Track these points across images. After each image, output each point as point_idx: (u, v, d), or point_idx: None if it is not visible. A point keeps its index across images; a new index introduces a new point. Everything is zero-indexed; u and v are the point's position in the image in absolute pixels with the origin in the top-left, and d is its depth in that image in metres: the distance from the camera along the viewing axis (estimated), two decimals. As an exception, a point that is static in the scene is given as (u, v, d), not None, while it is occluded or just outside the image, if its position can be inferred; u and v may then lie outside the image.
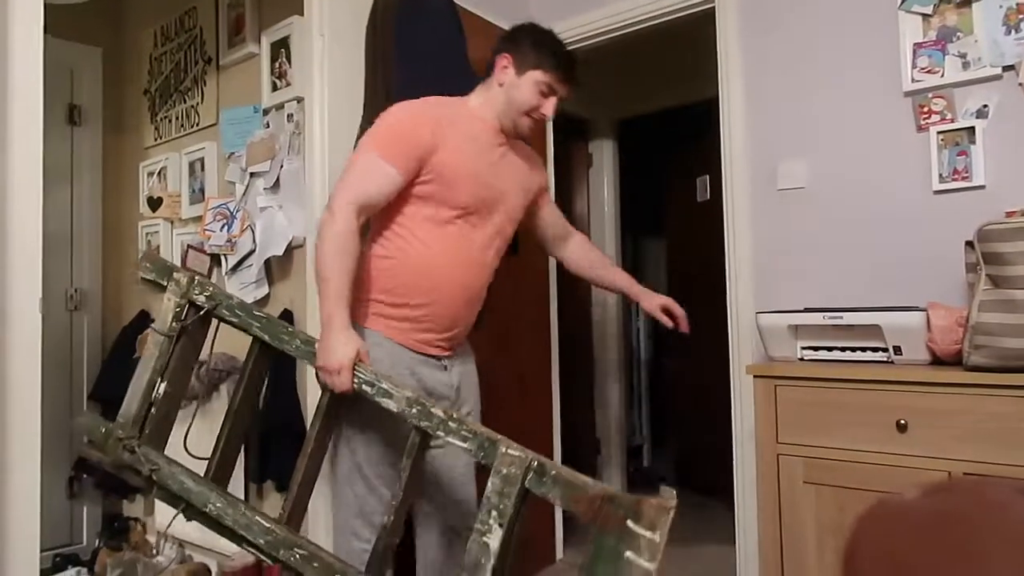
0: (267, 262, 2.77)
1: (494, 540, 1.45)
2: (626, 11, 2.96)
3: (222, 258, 2.93)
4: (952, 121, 2.23)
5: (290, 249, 2.69)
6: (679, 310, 2.13)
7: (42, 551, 1.91)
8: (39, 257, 1.92)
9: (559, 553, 3.18)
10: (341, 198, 1.73)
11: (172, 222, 3.25)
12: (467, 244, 1.86)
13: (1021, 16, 2.14)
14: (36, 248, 1.92)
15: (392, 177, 1.76)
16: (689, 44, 3.38)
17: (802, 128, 2.53)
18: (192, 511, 1.78)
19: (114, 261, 3.55)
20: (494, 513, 1.46)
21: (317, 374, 1.69)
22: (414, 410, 1.60)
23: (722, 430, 2.76)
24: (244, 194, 2.85)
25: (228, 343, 2.90)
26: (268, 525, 1.68)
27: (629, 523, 1.32)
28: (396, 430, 1.78)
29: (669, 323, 2.14)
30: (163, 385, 1.81)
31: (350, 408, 1.78)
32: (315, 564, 1.64)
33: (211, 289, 1.84)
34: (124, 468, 1.79)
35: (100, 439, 1.80)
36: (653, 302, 2.14)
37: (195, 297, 1.84)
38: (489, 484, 1.47)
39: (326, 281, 1.69)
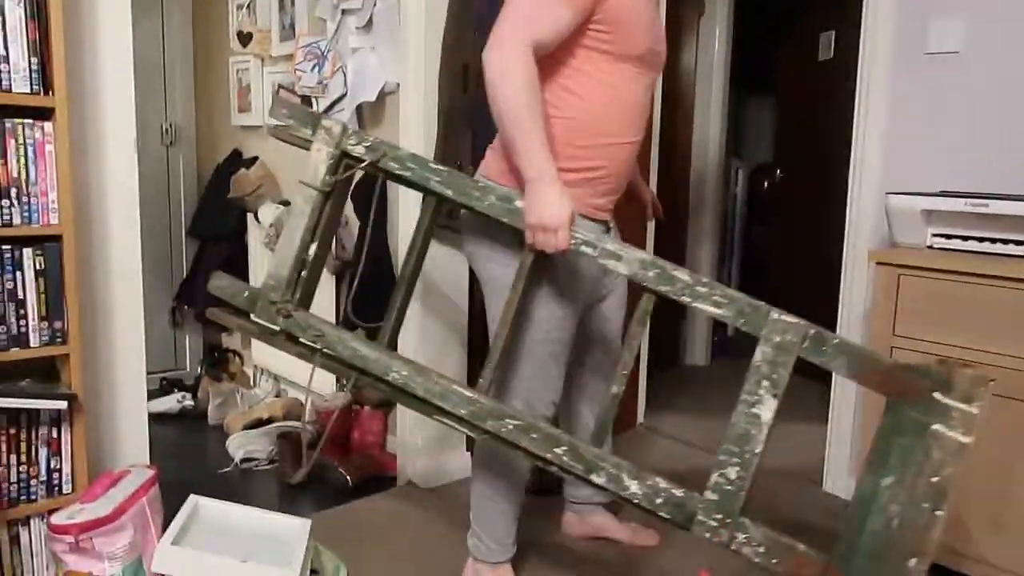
0: (359, 108, 2.66)
1: (766, 411, 1.40)
2: None
3: (313, 101, 2.84)
4: None
5: (383, 95, 2.57)
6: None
7: (148, 374, 2.00)
8: (131, 88, 1.88)
9: (640, 418, 3.20)
10: (514, 37, 1.50)
11: (262, 59, 3.15)
12: (636, 97, 1.69)
13: None
14: (128, 80, 1.88)
15: (565, 20, 1.54)
16: None
17: (967, -21, 2.18)
18: (368, 380, 1.65)
19: (206, 97, 3.51)
20: (765, 383, 1.40)
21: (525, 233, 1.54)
22: (651, 273, 1.46)
23: (820, 310, 2.62)
24: (335, 33, 2.70)
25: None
26: (470, 395, 1.54)
27: (937, 395, 1.27)
28: (581, 296, 1.74)
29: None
30: (314, 246, 1.65)
31: (543, 270, 1.68)
32: (534, 435, 1.51)
33: (371, 139, 1.61)
34: (277, 334, 1.66)
35: (245, 303, 1.66)
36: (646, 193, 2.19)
37: (351, 148, 1.61)
38: (759, 353, 1.40)
39: (527, 131, 1.49)
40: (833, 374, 2.54)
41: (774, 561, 1.41)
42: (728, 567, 2.07)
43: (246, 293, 1.68)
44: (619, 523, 2.19)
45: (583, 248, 1.50)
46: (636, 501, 1.47)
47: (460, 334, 2.54)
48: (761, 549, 1.41)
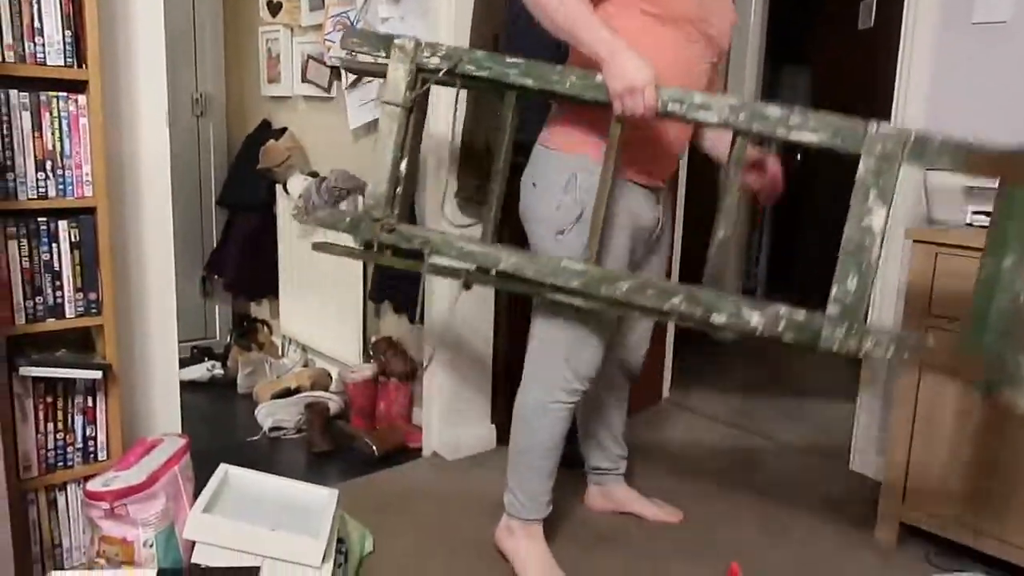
0: (388, 78, 2.64)
1: (878, 220, 1.43)
2: None
3: (342, 72, 2.83)
4: None
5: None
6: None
7: (179, 343, 2.03)
8: (163, 60, 1.89)
9: (665, 392, 3.19)
10: None
11: (292, 29, 3.13)
12: (687, 57, 1.66)
13: None
14: (160, 51, 1.88)
15: None
16: None
17: (1018, -55, 2.09)
18: (477, 276, 1.72)
19: (236, 67, 3.51)
20: (873, 192, 1.42)
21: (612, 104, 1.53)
22: (742, 116, 1.49)
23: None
24: (365, 3, 2.68)
25: (349, 161, 2.88)
26: (580, 267, 1.59)
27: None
28: (626, 234, 1.77)
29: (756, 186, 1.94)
30: (404, 162, 1.71)
31: None
32: (649, 291, 1.56)
33: (444, 48, 1.65)
34: (382, 249, 1.75)
35: (348, 227, 1.75)
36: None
37: (426, 61, 1.65)
38: (861, 168, 1.42)
39: (583, 20, 1.51)
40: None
41: (906, 356, 1.48)
42: (757, 560, 2.08)
43: (347, 218, 1.76)
44: (642, 498, 2.19)
45: (671, 106, 1.51)
46: (759, 331, 1.51)
47: (487, 306, 2.54)
48: (892, 347, 1.46)
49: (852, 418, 2.58)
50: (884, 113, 2.44)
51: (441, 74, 1.64)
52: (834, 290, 1.47)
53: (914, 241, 1.94)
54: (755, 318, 1.51)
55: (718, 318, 1.53)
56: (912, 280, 1.95)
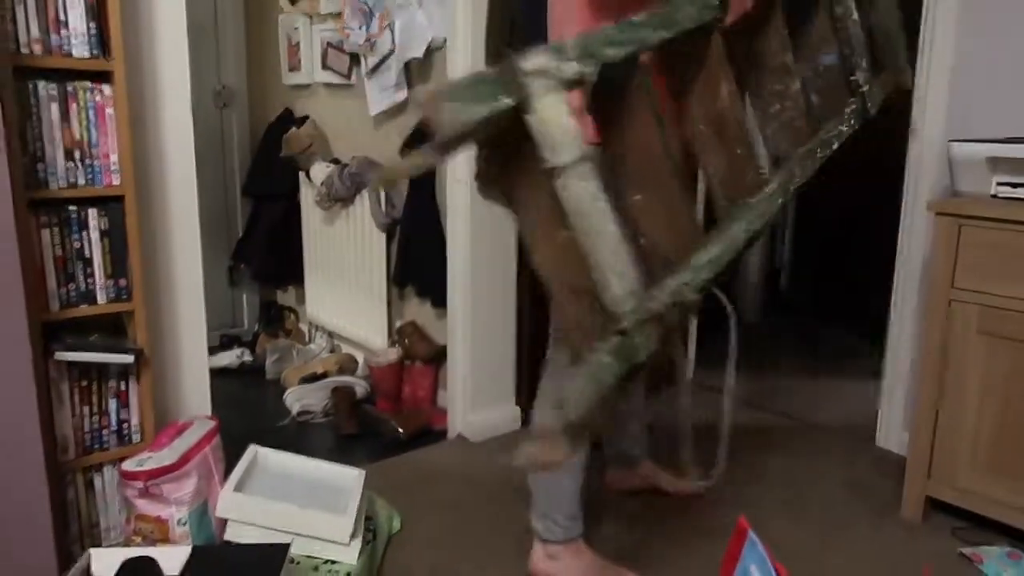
0: (406, 65, 2.66)
1: None
2: None
3: (361, 58, 2.85)
4: None
5: (430, 51, 2.56)
6: None
7: (208, 331, 2.07)
8: (186, 51, 1.92)
9: (688, 374, 3.19)
10: None
11: (311, 17, 3.16)
12: None
13: None
14: (182, 42, 1.91)
15: None
16: None
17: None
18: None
19: (257, 57, 3.54)
20: None
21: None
22: None
23: (873, 262, 2.56)
24: (382, -12, 2.69)
25: (370, 147, 2.91)
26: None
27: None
28: None
29: None
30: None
31: None
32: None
33: (569, 46, 1.09)
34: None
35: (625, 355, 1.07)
36: None
37: (562, 71, 1.05)
38: None
39: None
40: (883, 330, 2.48)
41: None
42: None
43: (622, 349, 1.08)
44: (661, 472, 2.20)
45: None
46: None
47: (509, 288, 2.55)
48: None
49: (878, 395, 2.57)
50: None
51: (590, 77, 1.13)
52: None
53: (937, 213, 1.92)
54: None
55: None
56: (935, 252, 1.93)
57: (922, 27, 2.29)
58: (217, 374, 2.38)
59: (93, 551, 1.40)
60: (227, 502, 1.61)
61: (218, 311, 3.47)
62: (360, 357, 3.05)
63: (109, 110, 1.69)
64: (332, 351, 3.21)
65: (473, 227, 2.42)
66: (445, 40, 2.47)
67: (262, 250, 3.38)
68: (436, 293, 2.65)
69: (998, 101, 2.17)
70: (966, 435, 1.92)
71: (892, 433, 2.49)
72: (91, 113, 1.68)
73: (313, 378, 2.92)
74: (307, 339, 3.38)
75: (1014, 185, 1.91)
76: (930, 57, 2.27)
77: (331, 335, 3.25)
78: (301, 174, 3.20)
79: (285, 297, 3.61)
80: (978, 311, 1.86)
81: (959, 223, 1.89)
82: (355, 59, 2.93)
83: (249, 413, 2.84)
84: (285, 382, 2.98)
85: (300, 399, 2.76)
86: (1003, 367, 1.85)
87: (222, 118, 3.54)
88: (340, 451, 2.50)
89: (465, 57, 2.33)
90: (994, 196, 1.93)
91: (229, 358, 3.22)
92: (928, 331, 1.96)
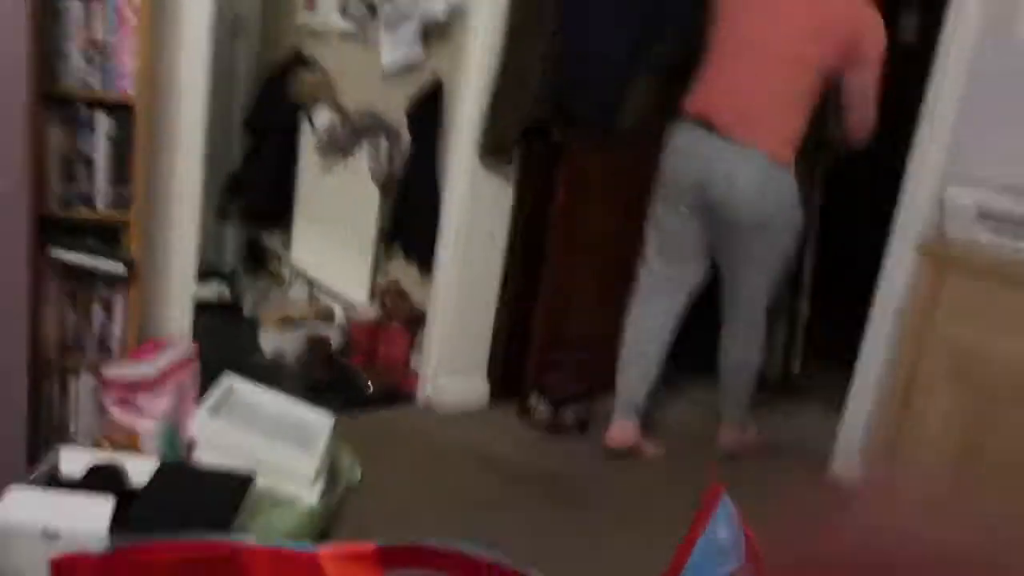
0: (425, 26, 2.64)
1: None
2: None
3: (379, 8, 2.81)
4: None
5: (451, 14, 2.54)
6: None
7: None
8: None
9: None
10: None
11: (338, -42, 3.11)
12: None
13: None
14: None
15: None
16: None
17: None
18: None
19: (274, -10, 3.49)
20: None
21: None
22: None
23: (846, 297, 2.61)
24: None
25: (377, 100, 2.89)
26: None
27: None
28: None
29: None
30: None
31: None
32: None
33: None
34: None
35: None
36: None
37: None
38: None
39: None
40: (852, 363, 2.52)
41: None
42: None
43: None
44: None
45: None
46: None
47: (497, 260, 2.58)
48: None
49: (836, 428, 2.58)
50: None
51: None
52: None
53: (923, 255, 1.98)
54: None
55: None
56: (917, 294, 1.99)
57: (933, 69, 2.34)
58: (195, 306, 2.36)
59: (64, 449, 1.40)
60: (200, 423, 1.62)
61: (203, 242, 3.42)
62: (339, 309, 3.04)
63: (130, 14, 1.67)
64: (311, 299, 3.20)
65: (473, 192, 2.43)
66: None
67: (255, 187, 3.35)
68: (423, 256, 2.66)
69: (1000, 151, 2.23)
70: (925, 463, 1.99)
71: (849, 463, 2.51)
72: (113, 15, 1.66)
73: (290, 322, 2.92)
74: (288, 283, 3.36)
75: (1000, 235, 1.97)
76: (937, 96, 2.32)
77: (311, 283, 3.23)
78: (303, 117, 3.17)
79: (271, 239, 3.58)
80: (949, 356, 1.92)
81: (944, 267, 1.94)
82: (371, 9, 2.89)
83: (224, 347, 2.81)
84: (262, 323, 2.97)
85: (275, 342, 2.76)
86: (967, 416, 1.91)
87: (231, 48, 3.48)
88: (309, 397, 2.49)
89: (485, 25, 2.33)
90: (980, 243, 1.99)
91: (209, 291, 3.19)
92: (899, 370, 2.02)
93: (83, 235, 1.70)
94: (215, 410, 1.68)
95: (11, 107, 1.39)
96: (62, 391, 1.73)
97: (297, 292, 3.21)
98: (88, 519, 1.20)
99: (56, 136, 1.62)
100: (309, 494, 1.69)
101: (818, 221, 3.14)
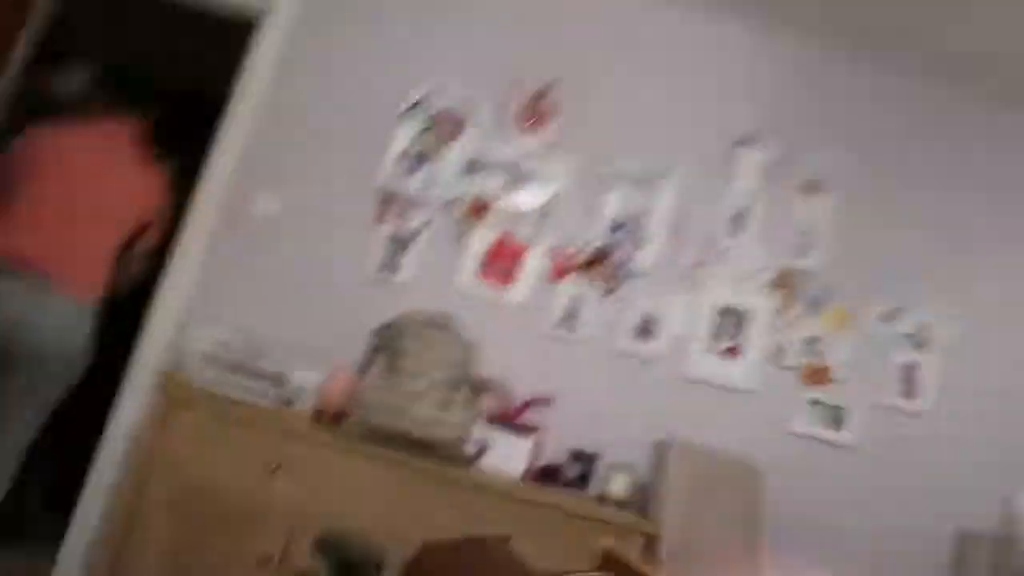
0: None
1: None
2: None
3: None
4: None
5: None
6: None
7: None
8: None
9: None
10: None
11: None
12: None
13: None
14: None
15: None
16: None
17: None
18: None
19: None
20: None
21: None
22: None
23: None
24: None
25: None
26: None
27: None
28: None
29: None
30: None
31: None
32: None
33: None
34: None
35: None
36: None
37: None
38: None
39: None
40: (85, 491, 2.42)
41: None
42: None
43: None
44: None
45: None
46: None
47: None
48: None
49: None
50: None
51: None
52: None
53: (157, 389, 2.20)
54: None
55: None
56: (155, 422, 2.15)
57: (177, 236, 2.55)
58: None
59: None
60: None
61: None
62: None
63: None
64: None
65: None
66: None
67: None
68: None
69: (235, 294, 2.56)
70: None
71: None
72: None
73: None
74: None
75: (227, 375, 2.28)
76: (180, 256, 2.55)
77: None
78: None
79: None
80: (171, 487, 2.10)
81: (176, 402, 2.13)
82: None
83: None
84: None
85: None
86: (178, 543, 2.08)
87: None
88: None
89: None
90: (208, 380, 2.24)
91: None
92: (117, 501, 2.15)
93: None
94: None
95: None
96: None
97: None
98: None
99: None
100: None
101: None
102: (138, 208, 2.35)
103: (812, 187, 2.82)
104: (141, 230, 2.38)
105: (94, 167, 2.27)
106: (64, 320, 2.13)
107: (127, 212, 2.32)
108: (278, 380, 2.30)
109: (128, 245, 2.35)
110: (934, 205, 2.87)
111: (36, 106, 2.51)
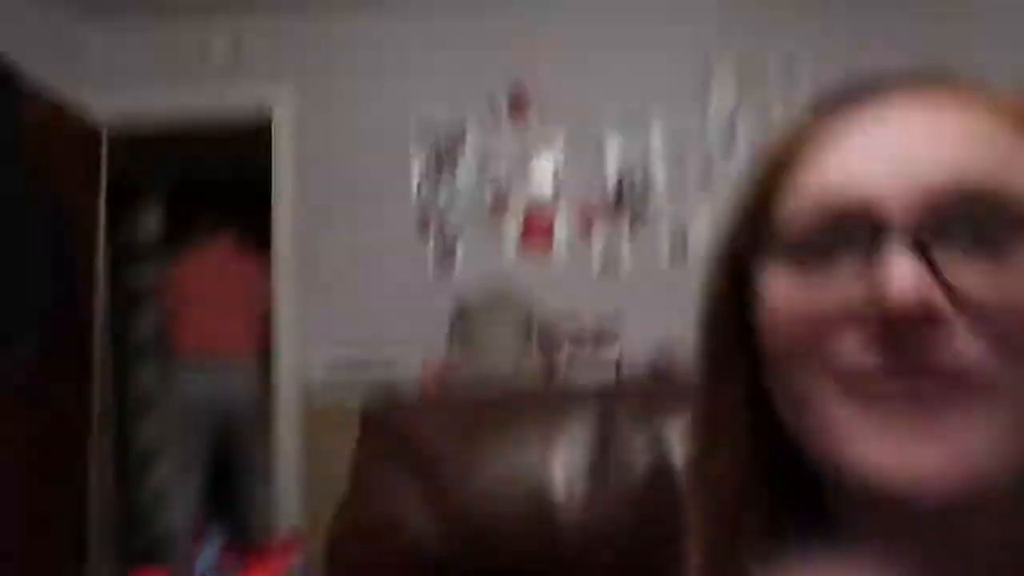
0: None
1: None
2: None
3: None
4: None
5: None
6: None
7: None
8: None
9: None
10: None
11: None
12: None
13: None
14: None
15: None
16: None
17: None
18: None
19: None
20: None
21: None
22: None
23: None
24: None
25: None
26: None
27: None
28: None
29: None
30: None
31: None
32: None
33: None
34: None
35: None
36: None
37: None
38: None
39: None
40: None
41: None
42: None
43: None
44: None
45: None
46: None
47: None
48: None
49: None
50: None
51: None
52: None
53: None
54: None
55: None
56: None
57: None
58: None
59: None
60: None
61: None
62: None
63: None
64: None
65: None
66: None
67: None
68: None
69: None
70: None
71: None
72: None
73: None
74: None
75: None
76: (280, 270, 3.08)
77: None
78: None
79: None
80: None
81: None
82: None
83: None
84: None
85: None
86: None
87: None
88: None
89: None
90: None
91: None
92: None
93: None
94: None
95: None
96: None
97: None
98: None
99: None
100: None
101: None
102: (256, 289, 3.16)
103: (790, 81, 3.00)
104: (265, 303, 3.14)
105: (223, 275, 3.17)
106: (246, 383, 3.06)
107: (253, 293, 3.17)
108: (390, 381, 2.75)
109: (266, 316, 3.13)
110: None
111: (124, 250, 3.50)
